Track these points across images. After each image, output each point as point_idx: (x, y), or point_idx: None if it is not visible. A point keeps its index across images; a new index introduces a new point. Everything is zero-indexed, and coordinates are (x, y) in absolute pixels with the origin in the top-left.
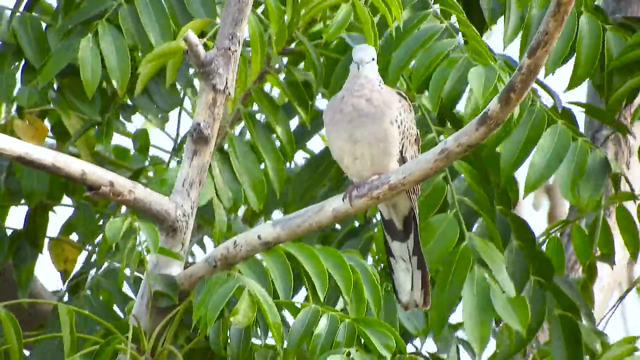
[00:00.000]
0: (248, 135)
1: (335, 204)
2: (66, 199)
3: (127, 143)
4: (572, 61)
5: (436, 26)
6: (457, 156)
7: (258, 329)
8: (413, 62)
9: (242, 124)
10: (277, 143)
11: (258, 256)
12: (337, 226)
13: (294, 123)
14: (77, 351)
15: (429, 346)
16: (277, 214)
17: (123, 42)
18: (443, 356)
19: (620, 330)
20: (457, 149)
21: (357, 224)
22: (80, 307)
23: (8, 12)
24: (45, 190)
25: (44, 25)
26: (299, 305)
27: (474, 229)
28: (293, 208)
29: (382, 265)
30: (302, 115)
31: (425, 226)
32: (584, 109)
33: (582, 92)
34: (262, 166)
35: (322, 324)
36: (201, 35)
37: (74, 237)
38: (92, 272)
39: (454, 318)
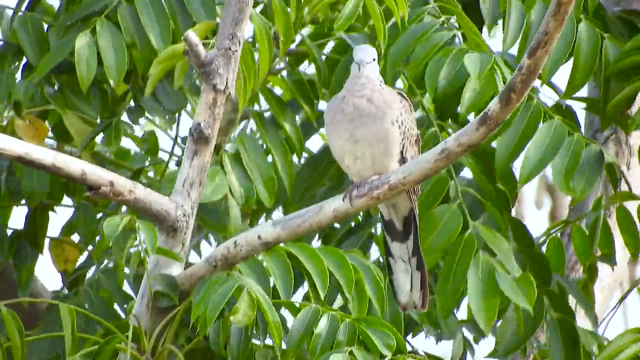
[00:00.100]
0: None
1: (336, 204)
2: (66, 200)
3: (127, 143)
4: (569, 67)
5: (433, 21)
6: (458, 156)
7: (259, 329)
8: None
9: (242, 124)
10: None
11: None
12: (336, 225)
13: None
14: (78, 351)
15: (428, 347)
16: (277, 214)
17: (121, 40)
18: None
19: (621, 330)
20: (458, 149)
21: (352, 224)
22: (80, 304)
23: (9, 12)
24: (46, 191)
25: (45, 26)
26: (298, 305)
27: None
28: (293, 207)
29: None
30: (307, 111)
31: (428, 217)
32: (585, 104)
33: (582, 93)
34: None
35: (322, 323)
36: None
37: (74, 237)
38: (93, 268)
39: (459, 315)
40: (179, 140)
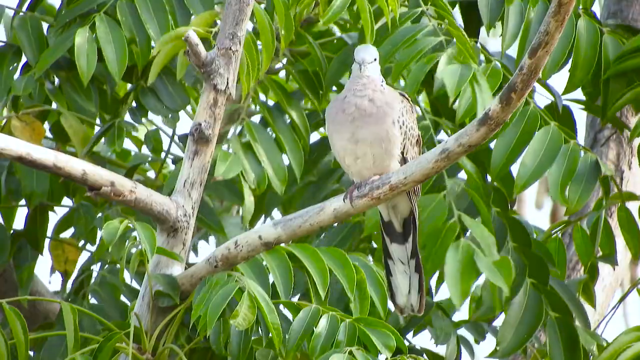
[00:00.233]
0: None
1: (336, 204)
2: (66, 200)
3: (127, 144)
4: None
5: (422, 24)
6: (458, 156)
7: (259, 329)
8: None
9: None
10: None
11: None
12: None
13: None
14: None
15: (426, 343)
16: (276, 214)
17: (120, 34)
18: (442, 352)
19: (622, 330)
20: (458, 149)
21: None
22: (90, 306)
23: (10, 12)
24: (46, 191)
25: (45, 25)
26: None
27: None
28: (293, 208)
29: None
30: (314, 101)
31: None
32: (583, 106)
33: (581, 93)
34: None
35: (322, 323)
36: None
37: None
38: (96, 268)
39: (456, 317)
40: (175, 138)
